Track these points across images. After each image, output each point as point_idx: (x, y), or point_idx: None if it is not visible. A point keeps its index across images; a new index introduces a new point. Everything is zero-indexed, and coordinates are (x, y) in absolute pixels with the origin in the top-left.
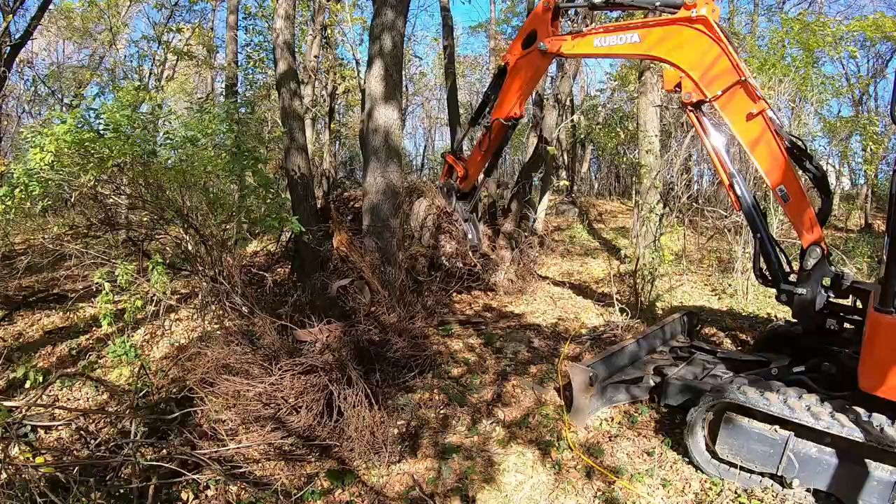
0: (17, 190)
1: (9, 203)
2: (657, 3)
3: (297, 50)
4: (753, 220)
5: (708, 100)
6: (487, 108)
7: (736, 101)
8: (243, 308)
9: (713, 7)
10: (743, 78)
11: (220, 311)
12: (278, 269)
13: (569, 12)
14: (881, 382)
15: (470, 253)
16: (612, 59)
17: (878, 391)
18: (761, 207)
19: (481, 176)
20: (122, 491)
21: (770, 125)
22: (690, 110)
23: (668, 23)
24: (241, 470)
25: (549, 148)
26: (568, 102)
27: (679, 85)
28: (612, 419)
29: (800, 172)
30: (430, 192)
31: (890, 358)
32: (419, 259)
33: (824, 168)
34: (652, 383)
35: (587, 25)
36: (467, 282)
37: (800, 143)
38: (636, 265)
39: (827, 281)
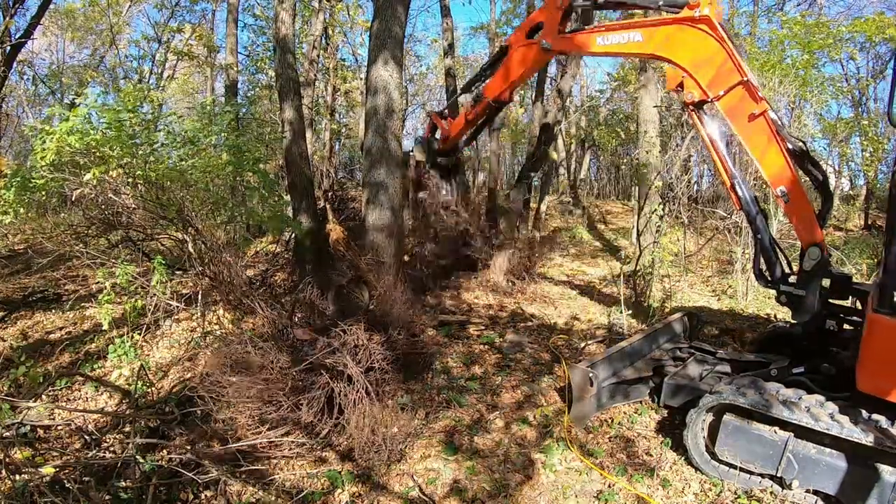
0: (14, 190)
1: (12, 201)
2: (660, 3)
3: (298, 50)
4: (754, 220)
5: (710, 100)
6: (481, 81)
7: (738, 101)
8: (244, 308)
9: (716, 7)
10: (745, 78)
11: (221, 311)
12: (279, 269)
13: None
14: (879, 383)
15: (441, 208)
16: (614, 57)
17: (877, 392)
18: (762, 208)
19: (463, 141)
20: (122, 491)
21: (771, 126)
22: (692, 110)
23: (671, 22)
24: (241, 469)
25: (550, 151)
26: (569, 103)
27: (681, 84)
28: (612, 419)
29: (801, 174)
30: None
31: (888, 359)
32: (418, 257)
33: (824, 169)
34: (652, 384)
35: (588, 24)
36: (463, 271)
37: (802, 144)
38: (636, 265)
39: (827, 282)
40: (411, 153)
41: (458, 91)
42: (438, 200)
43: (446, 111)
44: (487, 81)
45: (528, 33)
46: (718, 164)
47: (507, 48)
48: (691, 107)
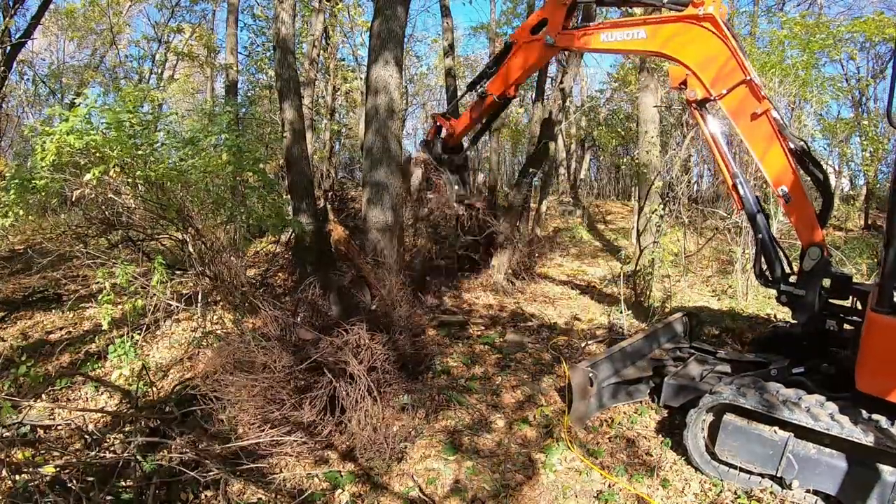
0: (14, 192)
1: (12, 202)
2: (665, 1)
3: (298, 50)
4: (755, 220)
5: (713, 98)
6: (486, 79)
7: (741, 100)
8: (245, 307)
9: (720, 5)
10: (748, 77)
11: (222, 311)
12: (279, 269)
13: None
14: (879, 383)
15: (455, 203)
16: (618, 54)
17: (877, 392)
18: (763, 208)
19: (467, 140)
20: (122, 491)
21: (774, 125)
22: (694, 108)
23: (675, 20)
24: (242, 467)
25: (550, 144)
26: (569, 103)
27: (684, 82)
28: (612, 419)
29: (802, 174)
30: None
31: (887, 359)
32: (420, 257)
33: (825, 169)
34: (652, 384)
35: (589, 21)
36: (466, 269)
37: (803, 144)
38: (636, 265)
39: (827, 282)
40: (413, 157)
41: (465, 89)
42: (453, 197)
43: (448, 113)
44: (492, 78)
45: (533, 29)
46: (720, 163)
47: (512, 45)
48: (694, 105)
